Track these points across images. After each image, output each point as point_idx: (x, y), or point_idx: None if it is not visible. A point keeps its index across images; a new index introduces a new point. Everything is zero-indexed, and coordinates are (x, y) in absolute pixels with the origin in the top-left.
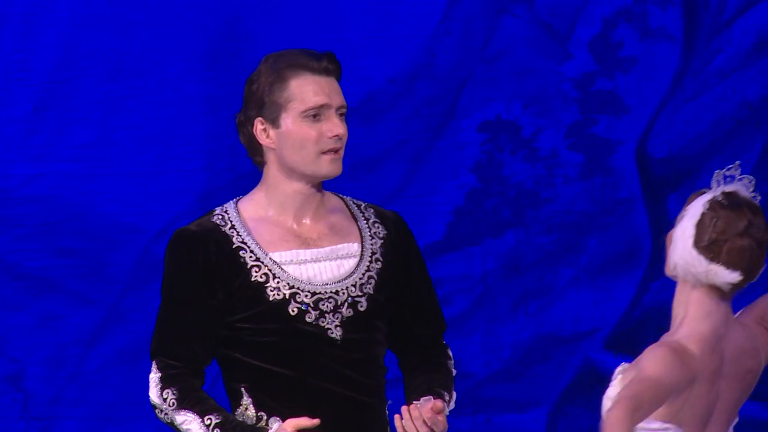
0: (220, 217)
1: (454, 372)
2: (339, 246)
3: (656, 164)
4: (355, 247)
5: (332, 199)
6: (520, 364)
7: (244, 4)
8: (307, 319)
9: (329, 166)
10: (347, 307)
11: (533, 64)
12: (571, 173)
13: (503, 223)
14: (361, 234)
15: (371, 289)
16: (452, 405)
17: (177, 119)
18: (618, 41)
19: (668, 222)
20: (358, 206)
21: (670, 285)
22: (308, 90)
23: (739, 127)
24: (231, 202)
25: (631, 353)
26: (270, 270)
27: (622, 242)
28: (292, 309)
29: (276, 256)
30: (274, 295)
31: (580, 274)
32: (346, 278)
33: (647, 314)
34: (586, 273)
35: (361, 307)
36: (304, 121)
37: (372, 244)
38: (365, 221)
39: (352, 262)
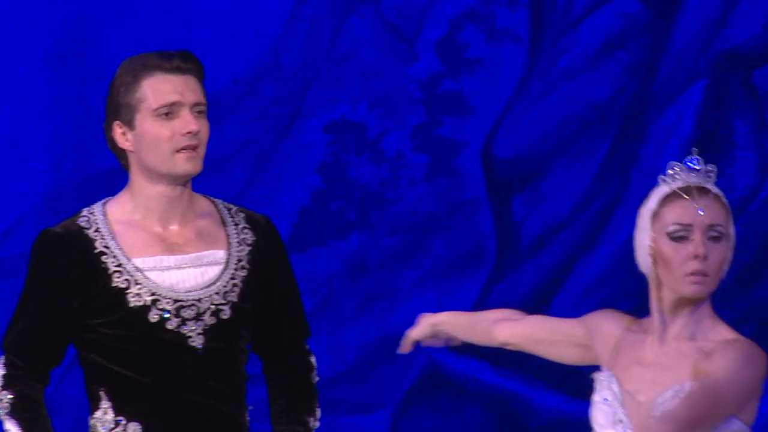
0: (86, 219)
1: (316, 379)
2: (204, 253)
3: (502, 165)
4: (220, 254)
5: (202, 203)
6: (364, 366)
7: (91, 5)
8: (168, 327)
9: (185, 165)
10: (210, 315)
11: (379, 65)
12: (417, 175)
13: (348, 225)
14: (228, 240)
15: (235, 297)
16: (317, 424)
17: (23, 120)
18: (464, 43)
19: (513, 223)
20: (229, 210)
21: (514, 286)
22: (159, 89)
23: (585, 128)
24: (99, 203)
25: (476, 354)
26: (131, 276)
27: (467, 244)
28: (153, 316)
29: (139, 261)
30: (134, 301)
31: (424, 275)
32: (209, 286)
33: None
34: (431, 275)
35: (224, 315)
36: (156, 120)
37: (239, 251)
38: (234, 226)
39: (216, 270)
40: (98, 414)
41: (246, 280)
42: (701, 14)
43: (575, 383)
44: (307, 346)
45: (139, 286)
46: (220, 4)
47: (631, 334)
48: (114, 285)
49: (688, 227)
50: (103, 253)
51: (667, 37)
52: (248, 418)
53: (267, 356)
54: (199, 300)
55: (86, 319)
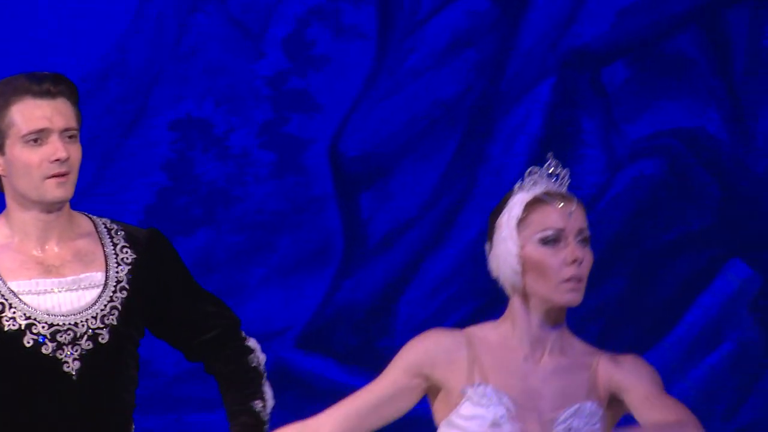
0: None
1: (258, 360)
2: (81, 276)
3: (349, 162)
4: (98, 276)
5: (82, 221)
6: None
7: None
8: (44, 352)
9: (54, 191)
10: (86, 340)
11: (225, 62)
12: (263, 172)
13: (194, 222)
14: (106, 261)
15: (114, 320)
16: (270, 402)
17: None
18: (311, 40)
19: (360, 220)
20: (109, 231)
21: (362, 284)
22: (27, 114)
23: (432, 126)
24: None
25: (323, 352)
26: (6, 299)
27: (315, 240)
28: (28, 341)
29: (14, 285)
30: (9, 325)
31: (271, 273)
32: (86, 309)
33: (339, 312)
34: (278, 272)
35: (102, 339)
36: (25, 146)
37: (117, 272)
38: (113, 247)
39: (94, 293)
40: None
41: (126, 303)
42: (549, 12)
43: None
44: (241, 333)
45: (13, 310)
46: (67, 2)
47: (483, 349)
48: None
49: (560, 232)
50: None
51: (515, 35)
52: None
53: (199, 358)
54: (75, 324)
55: None
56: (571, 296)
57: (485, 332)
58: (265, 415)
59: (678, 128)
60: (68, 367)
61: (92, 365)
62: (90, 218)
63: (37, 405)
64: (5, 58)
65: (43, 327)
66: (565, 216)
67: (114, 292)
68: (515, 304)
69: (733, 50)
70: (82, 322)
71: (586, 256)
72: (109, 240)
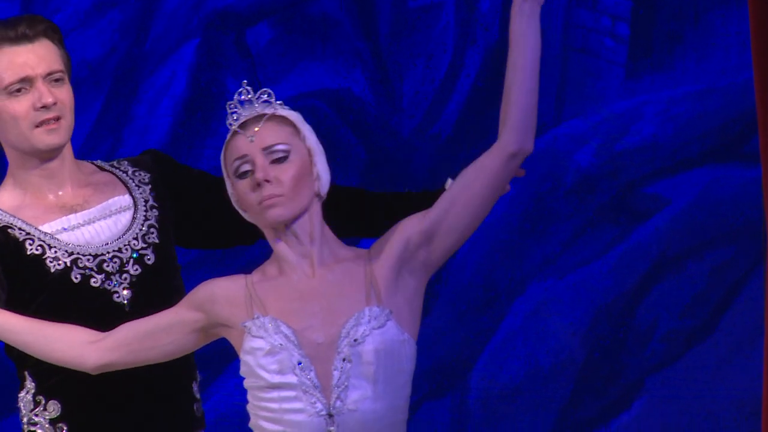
0: None
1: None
2: (109, 201)
3: None
4: (125, 198)
5: (89, 166)
6: None
7: None
8: (93, 284)
9: (45, 139)
10: (133, 264)
11: None
12: None
13: None
14: (127, 186)
15: (155, 237)
16: None
17: None
18: None
19: None
20: (114, 165)
21: None
22: (6, 64)
23: (78, 87)
24: None
25: None
26: (43, 241)
27: None
28: (75, 276)
29: (46, 227)
30: (54, 266)
31: None
32: (125, 233)
33: None
34: None
35: (149, 260)
36: (9, 97)
37: (141, 193)
38: (125, 174)
39: (127, 215)
40: (21, 394)
41: (161, 219)
42: None
43: None
44: None
45: (54, 250)
46: None
47: (261, 284)
48: (29, 253)
49: (244, 158)
50: (8, 227)
51: None
52: (195, 387)
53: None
54: (119, 250)
55: (9, 303)
56: (275, 212)
57: (262, 269)
58: None
59: (323, 89)
60: (119, 297)
61: (142, 292)
62: (93, 162)
63: None
64: None
65: (88, 260)
66: (246, 142)
67: (146, 210)
68: (267, 235)
69: (378, 11)
70: (125, 246)
71: (283, 172)
72: (119, 170)
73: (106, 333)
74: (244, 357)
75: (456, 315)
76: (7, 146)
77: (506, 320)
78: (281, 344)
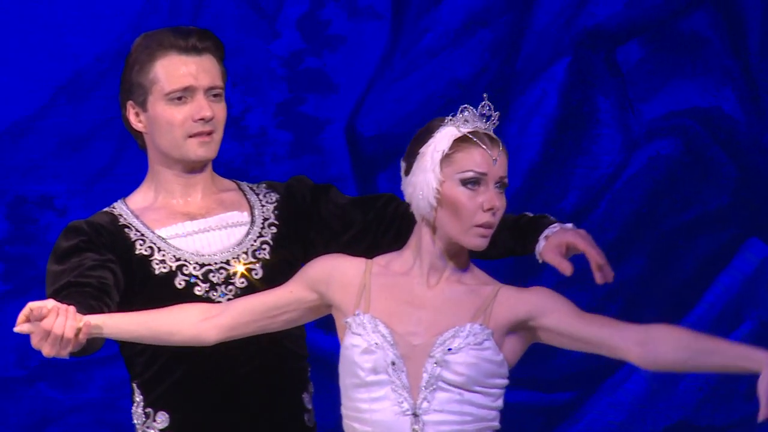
0: (109, 210)
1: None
2: (228, 214)
3: (366, 143)
4: (244, 215)
5: (225, 181)
6: None
7: None
8: (197, 292)
9: (197, 150)
10: (240, 277)
11: (241, 42)
12: (280, 152)
13: None
14: (250, 205)
15: (267, 254)
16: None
17: None
18: (326, 20)
19: None
20: (251, 186)
21: None
22: (172, 71)
23: (448, 106)
24: (118, 201)
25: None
26: (154, 244)
27: None
28: (180, 282)
29: (162, 232)
30: (159, 268)
31: None
32: (236, 246)
33: None
34: None
35: (256, 274)
36: (168, 104)
37: (264, 212)
38: (255, 195)
39: (242, 230)
40: (133, 408)
41: (277, 237)
42: None
43: None
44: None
45: (162, 253)
46: None
47: (379, 278)
48: (137, 253)
49: (482, 176)
50: (126, 227)
51: (529, 15)
52: (308, 397)
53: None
54: (227, 262)
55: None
56: (479, 241)
57: (388, 259)
58: None
59: (693, 108)
60: None
61: None
62: (232, 180)
63: (195, 351)
64: (23, 38)
65: (194, 268)
66: (490, 161)
67: (262, 228)
68: (422, 231)
69: (748, 29)
70: (233, 258)
71: (502, 205)
72: (252, 192)
73: (220, 309)
74: (344, 351)
75: None
76: (155, 149)
77: None
78: (377, 343)
